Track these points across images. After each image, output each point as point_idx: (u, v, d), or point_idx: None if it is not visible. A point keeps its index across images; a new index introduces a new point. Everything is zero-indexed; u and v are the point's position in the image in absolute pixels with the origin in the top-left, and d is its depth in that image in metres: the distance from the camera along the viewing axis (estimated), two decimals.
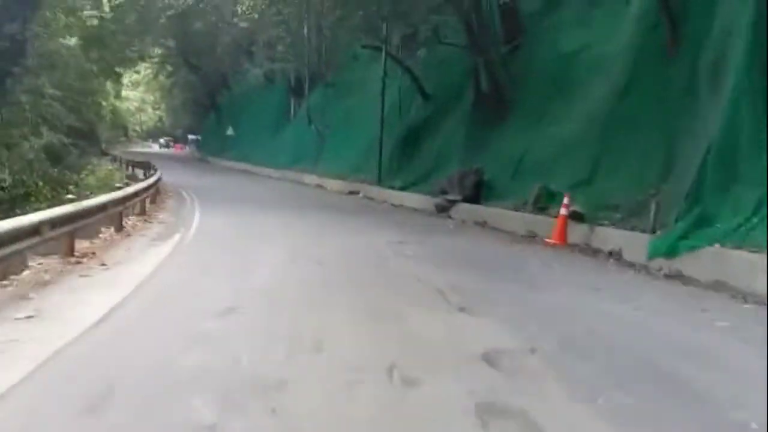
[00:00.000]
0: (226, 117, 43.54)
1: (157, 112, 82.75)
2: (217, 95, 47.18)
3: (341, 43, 26.81)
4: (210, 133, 49.10)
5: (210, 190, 19.54)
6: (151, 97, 76.19)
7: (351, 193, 20.63)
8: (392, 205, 17.27)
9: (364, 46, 23.83)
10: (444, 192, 14.83)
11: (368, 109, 24.74)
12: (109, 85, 67.80)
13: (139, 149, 67.34)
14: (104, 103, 68.15)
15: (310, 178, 25.48)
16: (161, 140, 75.26)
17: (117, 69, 53.39)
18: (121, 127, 78.73)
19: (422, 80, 21.55)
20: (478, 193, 14.18)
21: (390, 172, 20.69)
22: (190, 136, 59.50)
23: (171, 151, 66.34)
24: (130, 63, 47.01)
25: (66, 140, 21.86)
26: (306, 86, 29.33)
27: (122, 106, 77.32)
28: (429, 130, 20.42)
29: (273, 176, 29.12)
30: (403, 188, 18.17)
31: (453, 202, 14.32)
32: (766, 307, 5.66)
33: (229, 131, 39.16)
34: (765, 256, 6.20)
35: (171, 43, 39.76)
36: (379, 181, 20.20)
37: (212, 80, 45.32)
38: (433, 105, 21.02)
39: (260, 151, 35.78)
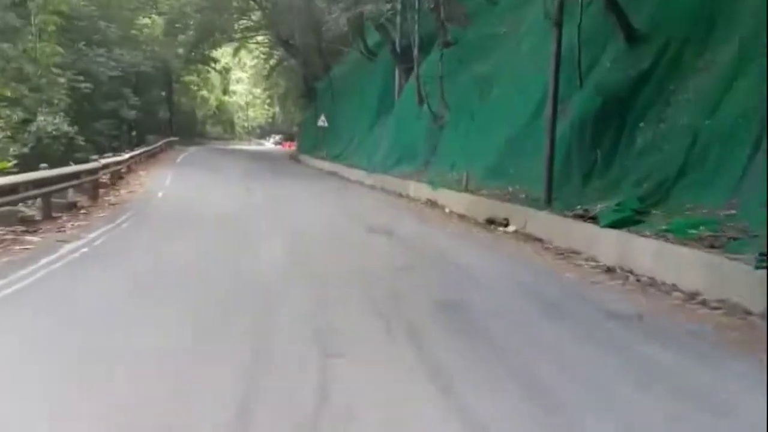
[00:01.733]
0: (321, 106, 35.23)
1: (269, 108, 77.73)
2: (316, 81, 38.93)
3: None
4: (308, 126, 41.29)
5: (206, 230, 10.43)
6: (258, 90, 70.83)
7: (490, 223, 10.79)
8: (606, 269, 7.20)
9: None
10: None
11: (515, 78, 14.87)
12: (216, 78, 63.90)
13: (243, 146, 61.96)
14: (209, 96, 64.53)
15: (418, 189, 15.89)
16: (276, 137, 70.17)
17: (209, 53, 47.72)
18: (227, 123, 74.86)
19: (626, 8, 11.23)
20: None
21: (567, 183, 10.61)
22: None
23: (278, 148, 60.41)
24: (215, 44, 40.89)
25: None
26: (416, 48, 19.65)
27: (230, 100, 73.41)
28: (651, 98, 10.14)
29: (365, 183, 19.90)
30: (614, 224, 8.02)
31: None
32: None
33: (321, 121, 30.59)
34: None
35: (255, 15, 32.09)
36: (549, 200, 10.16)
37: (311, 62, 37.18)
38: (651, 50, 10.65)
39: (357, 146, 26.97)
